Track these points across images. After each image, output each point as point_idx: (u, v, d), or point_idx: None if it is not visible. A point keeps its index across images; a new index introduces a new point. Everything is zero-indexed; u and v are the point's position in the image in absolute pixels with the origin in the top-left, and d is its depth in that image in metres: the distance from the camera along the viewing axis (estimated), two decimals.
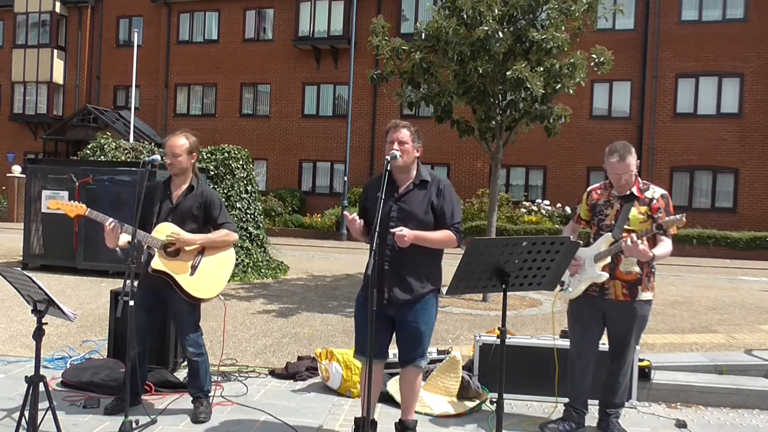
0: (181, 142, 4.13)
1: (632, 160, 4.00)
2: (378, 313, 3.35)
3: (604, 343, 4.27)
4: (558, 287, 3.98)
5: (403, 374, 3.81)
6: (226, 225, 4.19)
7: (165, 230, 4.04)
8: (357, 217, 3.62)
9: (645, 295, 4.03)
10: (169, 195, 4.16)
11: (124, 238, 4.02)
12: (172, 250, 4.04)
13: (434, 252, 3.67)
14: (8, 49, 28.92)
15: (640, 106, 21.76)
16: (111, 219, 3.95)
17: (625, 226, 3.98)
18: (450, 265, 3.39)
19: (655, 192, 4.07)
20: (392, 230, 3.45)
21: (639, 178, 4.14)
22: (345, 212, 3.60)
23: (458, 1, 8.32)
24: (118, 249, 4.06)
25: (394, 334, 3.76)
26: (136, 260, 3.83)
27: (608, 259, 4.00)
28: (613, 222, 4.05)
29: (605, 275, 4.00)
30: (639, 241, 3.75)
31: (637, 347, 4.68)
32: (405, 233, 3.43)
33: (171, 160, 4.11)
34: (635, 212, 4.01)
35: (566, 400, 4.28)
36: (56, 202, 4.06)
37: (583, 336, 4.17)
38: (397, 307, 3.60)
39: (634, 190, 4.06)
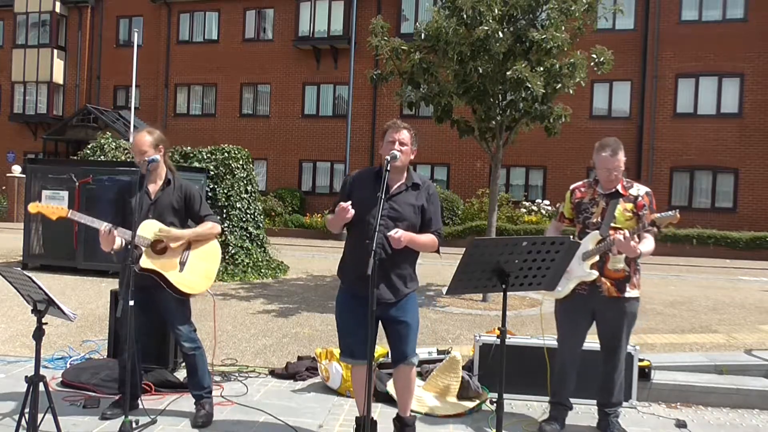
0: (145, 138, 4.11)
1: (622, 156, 4.05)
2: (365, 314, 3.34)
3: (595, 342, 4.28)
4: None
5: (396, 373, 3.82)
6: (209, 217, 4.18)
7: (150, 228, 4.01)
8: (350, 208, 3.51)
9: (633, 293, 4.08)
10: (146, 191, 4.12)
11: (120, 241, 3.99)
12: (160, 248, 4.01)
13: (415, 255, 3.73)
14: (8, 49, 28.93)
15: (640, 106, 21.76)
16: (105, 223, 3.89)
17: (612, 224, 4.02)
18: (450, 265, 3.39)
19: (640, 189, 4.11)
20: (389, 233, 3.45)
21: (623, 176, 4.17)
22: (338, 207, 3.52)
23: (458, 1, 8.31)
24: (113, 252, 4.02)
25: (385, 335, 3.77)
26: (132, 261, 3.80)
27: (597, 258, 4.02)
28: (599, 220, 4.07)
29: (595, 273, 4.02)
30: (630, 238, 3.79)
31: (637, 347, 4.69)
32: (401, 235, 3.44)
33: (138, 157, 4.09)
34: (621, 209, 4.05)
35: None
36: (36, 205, 3.96)
37: (573, 335, 4.18)
38: (382, 306, 3.59)
39: (619, 187, 4.09)
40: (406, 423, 3.84)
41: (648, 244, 3.96)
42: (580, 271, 4.02)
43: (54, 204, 4.10)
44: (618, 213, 4.04)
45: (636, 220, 4.02)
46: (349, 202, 3.51)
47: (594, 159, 4.12)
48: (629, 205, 4.05)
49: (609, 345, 4.16)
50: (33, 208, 3.98)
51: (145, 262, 3.95)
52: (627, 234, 3.79)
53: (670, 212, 3.77)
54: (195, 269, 4.09)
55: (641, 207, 4.04)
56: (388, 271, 3.59)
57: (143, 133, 4.15)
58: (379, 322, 3.69)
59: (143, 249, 3.96)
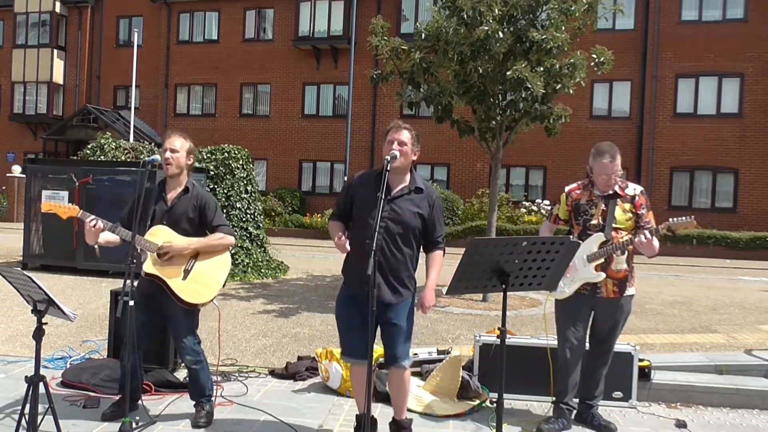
0: (180, 141, 4.10)
1: (619, 160, 4.11)
2: (364, 313, 3.35)
3: None
4: None
5: (390, 375, 3.83)
6: (221, 228, 4.11)
7: (159, 233, 3.99)
8: (348, 244, 3.57)
9: (630, 291, 4.18)
10: (163, 197, 4.09)
11: (105, 237, 3.97)
12: (167, 255, 3.97)
13: (415, 258, 3.75)
14: (8, 49, 28.91)
15: (640, 106, 21.75)
16: (92, 216, 3.90)
17: (613, 225, 4.08)
18: (450, 265, 3.39)
19: (636, 189, 4.19)
20: (423, 305, 3.63)
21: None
22: (336, 240, 3.58)
23: (458, 1, 8.31)
24: (96, 246, 4.04)
25: (379, 335, 3.77)
26: (136, 260, 3.80)
27: (602, 260, 4.05)
28: (601, 221, 4.11)
29: (603, 275, 4.07)
30: (652, 237, 3.87)
31: (637, 347, 4.70)
32: (428, 304, 3.64)
33: (169, 155, 4.04)
34: (620, 210, 4.11)
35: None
36: (49, 204, 3.99)
37: (576, 334, 4.21)
38: (381, 308, 3.59)
39: (616, 188, 4.15)
40: (401, 426, 3.84)
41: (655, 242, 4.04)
42: (586, 272, 4.06)
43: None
44: (618, 214, 4.10)
45: (635, 220, 4.10)
46: (346, 241, 3.54)
47: (591, 165, 4.16)
48: (627, 205, 4.13)
49: (604, 342, 4.25)
50: (46, 206, 4.00)
51: (149, 266, 3.93)
52: (648, 235, 3.87)
53: (685, 218, 3.84)
54: (199, 278, 4.01)
55: (639, 206, 4.12)
56: (387, 274, 3.60)
57: (180, 136, 4.12)
58: (376, 323, 3.71)
59: (148, 254, 3.94)
